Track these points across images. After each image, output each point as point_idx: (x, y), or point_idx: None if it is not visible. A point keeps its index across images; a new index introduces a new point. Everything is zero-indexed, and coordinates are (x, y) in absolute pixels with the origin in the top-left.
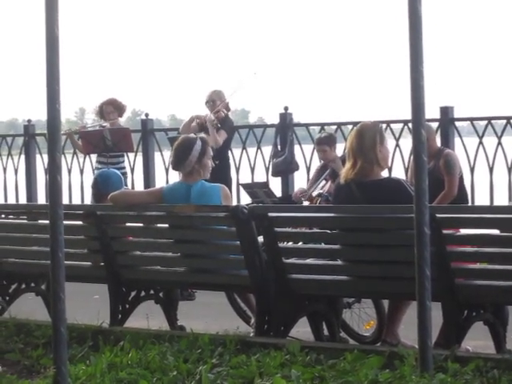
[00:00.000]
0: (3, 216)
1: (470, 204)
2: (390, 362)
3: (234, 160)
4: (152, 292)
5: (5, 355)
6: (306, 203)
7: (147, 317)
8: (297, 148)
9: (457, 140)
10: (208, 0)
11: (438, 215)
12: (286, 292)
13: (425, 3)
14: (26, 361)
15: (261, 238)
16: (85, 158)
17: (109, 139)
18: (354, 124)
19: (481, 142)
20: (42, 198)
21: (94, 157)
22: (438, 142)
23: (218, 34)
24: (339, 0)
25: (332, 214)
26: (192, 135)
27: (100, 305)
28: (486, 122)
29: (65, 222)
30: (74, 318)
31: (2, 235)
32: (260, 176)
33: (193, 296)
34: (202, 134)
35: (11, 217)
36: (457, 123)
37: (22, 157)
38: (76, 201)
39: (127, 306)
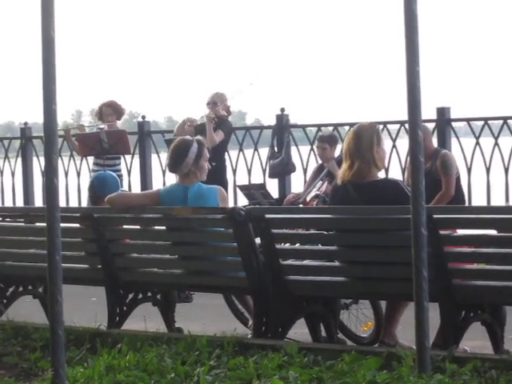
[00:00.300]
0: (0, 219)
1: (466, 204)
2: (387, 363)
3: (231, 161)
4: (149, 294)
5: (3, 358)
6: (301, 205)
7: (145, 319)
8: (293, 149)
9: (453, 140)
10: (204, 2)
11: (434, 216)
12: (283, 293)
13: (421, 4)
14: (24, 363)
15: (258, 240)
16: (81, 161)
17: (105, 141)
18: (351, 125)
19: (477, 143)
20: (39, 201)
21: (90, 159)
22: (435, 142)
23: (215, 35)
24: (336, 1)
25: (329, 215)
26: (188, 137)
27: (97, 307)
28: (482, 122)
29: (62, 225)
30: (71, 320)
31: None
32: (257, 177)
33: (190, 298)
34: (199, 137)
35: (8, 220)
36: (453, 124)
37: (19, 160)
38: (73, 203)
39: (125, 308)
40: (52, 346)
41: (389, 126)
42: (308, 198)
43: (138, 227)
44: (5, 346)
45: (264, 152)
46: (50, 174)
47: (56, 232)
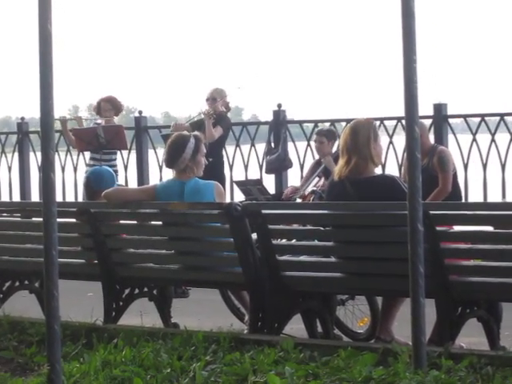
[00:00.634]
0: None
1: (463, 201)
2: (383, 359)
3: (228, 157)
4: (146, 289)
5: None
6: (298, 201)
7: (141, 314)
8: (290, 145)
9: (450, 137)
10: None
11: (431, 212)
12: (279, 289)
13: (418, 0)
14: (20, 358)
15: (254, 235)
16: (78, 156)
17: (102, 137)
18: (348, 121)
19: (474, 139)
20: (35, 196)
21: (87, 154)
22: (432, 139)
23: (212, 31)
24: None
25: (325, 211)
26: (185, 133)
27: (94, 302)
28: (479, 118)
29: (58, 220)
30: (67, 315)
31: None
32: (253, 173)
33: (187, 293)
34: (196, 132)
35: (5, 214)
36: (450, 120)
37: (16, 154)
38: (69, 198)
39: (121, 303)
40: (48, 341)
41: (386, 122)
42: (305, 193)
43: (135, 222)
44: (1, 340)
45: (261, 148)
46: (46, 169)
47: (52, 227)
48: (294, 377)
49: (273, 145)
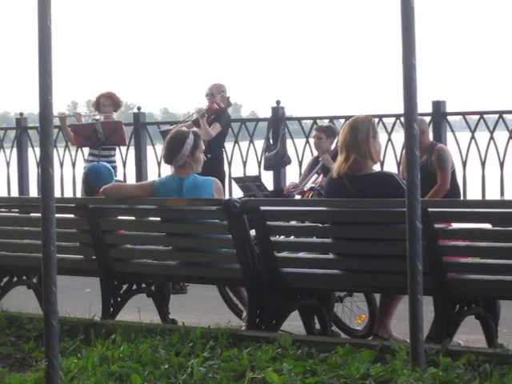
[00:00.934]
0: None
1: (462, 198)
2: (381, 356)
3: (226, 154)
4: (144, 285)
5: None
6: (297, 197)
7: (139, 310)
8: (289, 142)
9: (449, 134)
10: None
11: (430, 209)
12: (277, 286)
13: None
14: (18, 354)
15: (253, 232)
16: (77, 151)
17: (101, 132)
18: (347, 118)
19: (473, 137)
20: (34, 191)
21: (86, 150)
22: (430, 136)
23: (211, 27)
24: None
25: (324, 208)
26: (184, 129)
27: (92, 298)
28: (478, 116)
29: (57, 215)
30: (65, 311)
31: None
32: (252, 170)
33: (185, 289)
34: (195, 128)
35: (3, 210)
36: (449, 118)
37: (14, 150)
38: (68, 194)
39: (119, 299)
40: (46, 337)
41: (384, 119)
42: (304, 190)
43: (133, 218)
44: None
45: (259, 144)
46: (45, 165)
47: (51, 222)
48: (292, 373)
49: (271, 141)
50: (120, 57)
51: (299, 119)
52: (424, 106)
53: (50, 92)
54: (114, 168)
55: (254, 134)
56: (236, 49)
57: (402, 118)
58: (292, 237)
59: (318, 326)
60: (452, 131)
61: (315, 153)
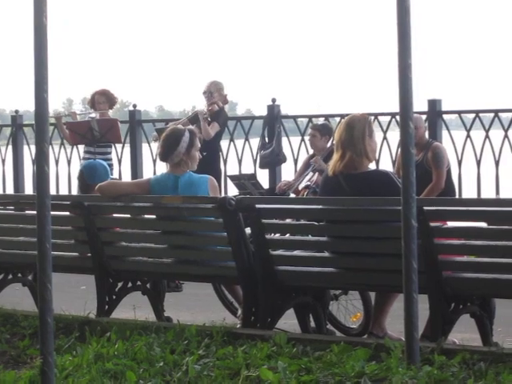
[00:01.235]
0: None
1: (457, 197)
2: (376, 354)
3: (222, 152)
4: (139, 283)
5: None
6: (292, 196)
7: (134, 308)
8: (284, 140)
9: (444, 133)
10: None
11: (425, 208)
12: (272, 284)
13: None
14: (13, 351)
15: (248, 230)
16: (72, 149)
17: (96, 130)
18: (342, 116)
19: (468, 135)
20: (29, 189)
21: (81, 147)
22: (426, 134)
23: (207, 25)
24: None
25: (319, 206)
26: (180, 126)
27: (87, 295)
28: (473, 115)
29: (52, 213)
30: (60, 308)
31: None
32: (247, 168)
33: (180, 287)
34: (191, 126)
35: None
36: (445, 116)
37: (10, 147)
38: (63, 191)
39: (114, 296)
40: (41, 334)
41: (380, 117)
42: (299, 188)
43: (128, 216)
44: None
45: (255, 142)
46: (40, 162)
47: (46, 220)
48: (287, 371)
49: (267, 139)
50: (116, 54)
51: (295, 117)
52: (420, 104)
53: (45, 89)
54: (111, 166)
55: (249, 132)
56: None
57: (398, 117)
58: (287, 235)
59: (313, 324)
60: (447, 130)
61: (311, 151)
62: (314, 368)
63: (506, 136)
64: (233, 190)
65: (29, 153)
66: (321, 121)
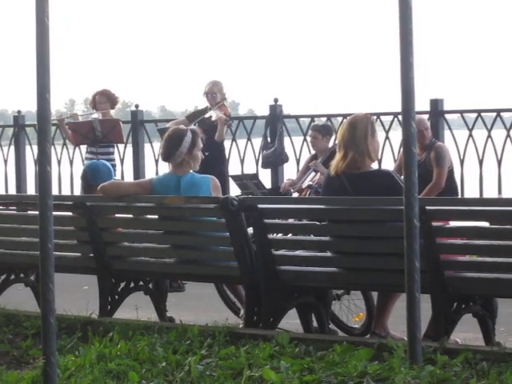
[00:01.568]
0: None
1: (459, 196)
2: (379, 354)
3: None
4: (141, 283)
5: None
6: (295, 195)
7: (136, 308)
8: (286, 140)
9: (447, 132)
10: None
11: (427, 207)
12: (275, 283)
13: None
14: (16, 351)
15: (250, 230)
16: (74, 149)
17: (98, 130)
18: (344, 116)
19: (470, 135)
20: (31, 189)
21: (83, 148)
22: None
23: (209, 25)
24: None
25: (322, 206)
26: (182, 126)
27: (89, 296)
28: (475, 114)
29: (54, 213)
30: (63, 308)
31: None
32: (250, 168)
33: (182, 287)
34: (193, 126)
35: (0, 207)
36: (447, 116)
37: (12, 148)
38: (66, 192)
39: (116, 297)
40: (43, 334)
41: (382, 117)
42: (303, 187)
43: (131, 216)
44: None
45: (257, 142)
46: (43, 162)
47: (48, 220)
48: (290, 371)
49: (269, 139)
50: (118, 55)
51: (297, 117)
52: (422, 104)
53: (47, 90)
54: (114, 166)
55: (251, 131)
56: (234, 47)
57: (400, 116)
58: (290, 235)
59: (315, 323)
60: (450, 129)
61: (313, 151)
62: (316, 368)
63: (508, 135)
64: (235, 190)
65: (31, 153)
66: (323, 120)
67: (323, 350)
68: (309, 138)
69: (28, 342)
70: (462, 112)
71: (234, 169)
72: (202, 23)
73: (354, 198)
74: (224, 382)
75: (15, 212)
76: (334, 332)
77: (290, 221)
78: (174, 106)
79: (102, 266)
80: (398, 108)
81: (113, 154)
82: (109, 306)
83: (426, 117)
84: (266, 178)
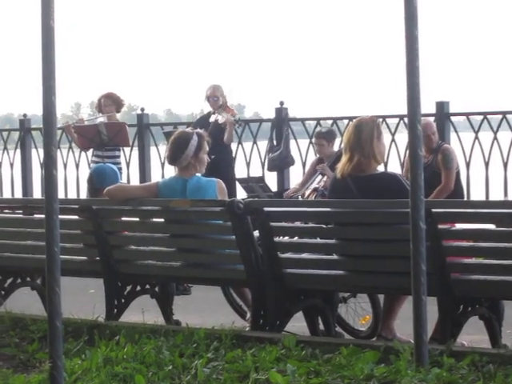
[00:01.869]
0: None
1: (465, 199)
2: (385, 357)
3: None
4: (148, 286)
5: (0, 349)
6: (300, 198)
7: (143, 311)
8: (292, 143)
9: (452, 135)
10: None
11: (433, 210)
12: (281, 286)
13: None
14: (22, 355)
15: (256, 233)
16: (80, 153)
17: (104, 134)
18: (350, 119)
19: (476, 137)
20: (37, 193)
21: (89, 151)
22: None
23: (214, 28)
24: None
25: (328, 209)
26: (188, 130)
27: (95, 299)
28: (481, 117)
29: (60, 217)
30: (69, 312)
31: None
32: (256, 171)
33: (188, 291)
34: (199, 130)
35: (7, 211)
36: (453, 118)
37: (18, 151)
38: (72, 195)
39: (123, 300)
40: (50, 338)
41: (388, 120)
42: (307, 192)
43: (137, 219)
44: (3, 337)
45: (263, 145)
46: (48, 166)
47: (54, 224)
48: (296, 374)
49: (275, 142)
50: (124, 58)
51: (302, 120)
52: (428, 106)
53: (53, 93)
54: (120, 169)
55: (257, 134)
56: (239, 50)
57: (406, 119)
58: (296, 238)
59: (321, 326)
60: (455, 132)
61: (318, 155)
62: (322, 371)
63: None
64: (241, 193)
65: (37, 157)
66: (329, 123)
67: (330, 352)
68: (314, 143)
69: (34, 346)
70: (467, 114)
71: (240, 172)
72: (207, 27)
73: (360, 200)
74: None
75: (21, 216)
76: (341, 335)
77: (296, 224)
78: (180, 109)
79: (108, 270)
80: (404, 110)
81: (119, 157)
82: (115, 310)
83: (431, 119)
84: (272, 180)
